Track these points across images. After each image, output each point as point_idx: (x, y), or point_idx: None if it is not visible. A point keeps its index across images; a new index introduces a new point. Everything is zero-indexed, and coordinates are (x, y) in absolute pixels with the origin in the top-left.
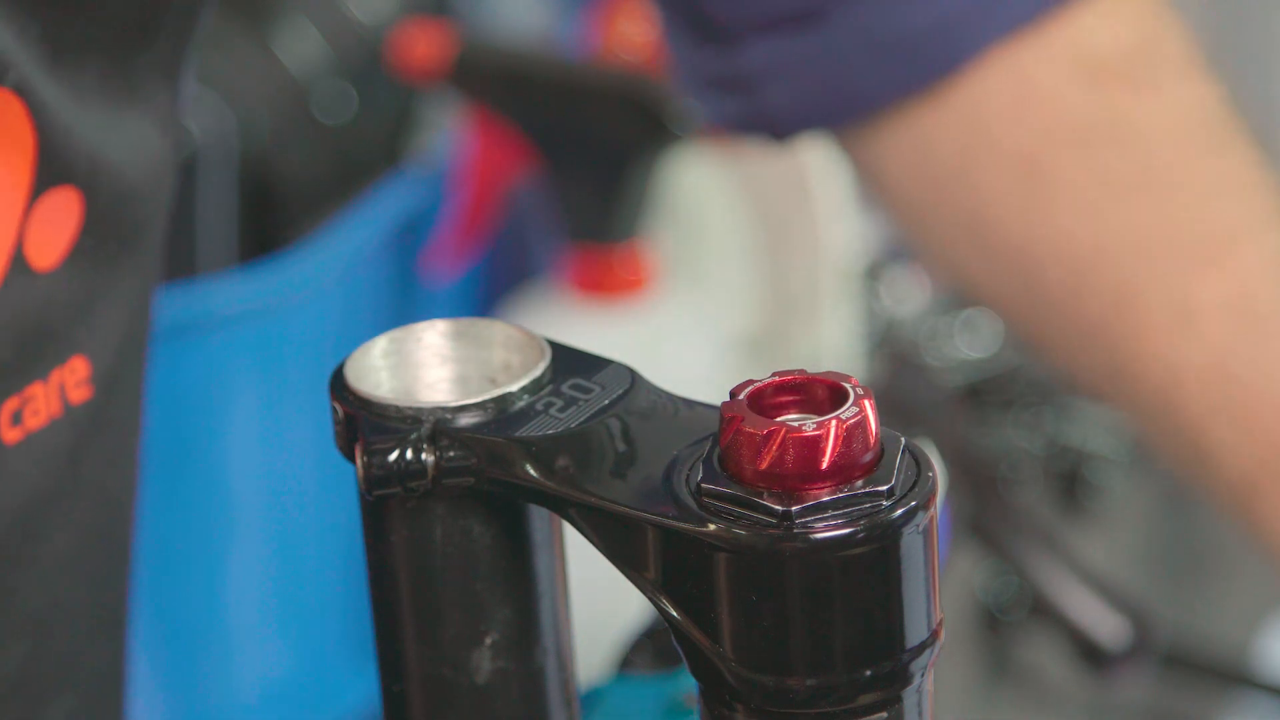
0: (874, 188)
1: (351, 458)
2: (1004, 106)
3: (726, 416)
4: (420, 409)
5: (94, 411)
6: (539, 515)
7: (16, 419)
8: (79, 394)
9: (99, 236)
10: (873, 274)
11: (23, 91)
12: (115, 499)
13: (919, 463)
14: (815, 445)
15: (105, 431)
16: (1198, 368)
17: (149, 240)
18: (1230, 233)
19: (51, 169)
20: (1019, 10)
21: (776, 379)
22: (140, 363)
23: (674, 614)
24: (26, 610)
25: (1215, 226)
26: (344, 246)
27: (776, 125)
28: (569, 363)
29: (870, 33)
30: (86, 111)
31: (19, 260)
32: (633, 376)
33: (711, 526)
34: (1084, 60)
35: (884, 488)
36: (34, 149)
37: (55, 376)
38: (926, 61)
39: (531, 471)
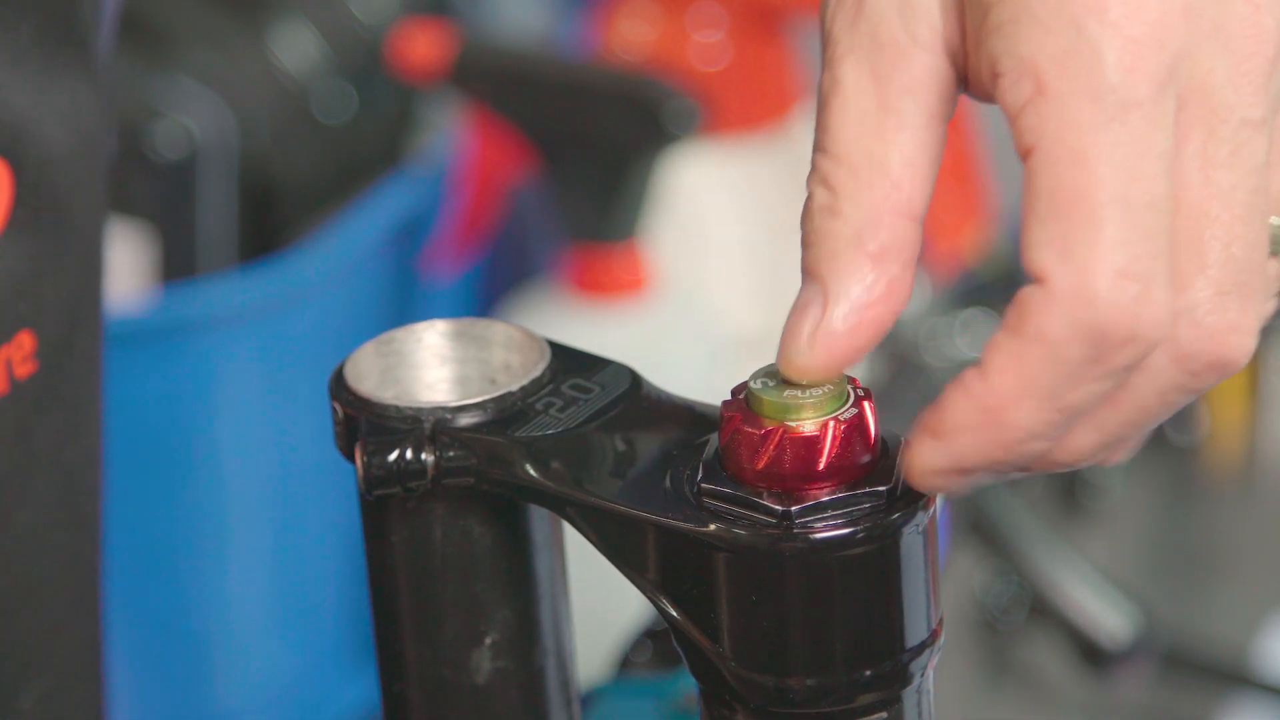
0: None
1: (351, 458)
2: None
3: (726, 416)
4: (420, 409)
5: (42, 386)
6: (539, 515)
7: None
8: (25, 369)
9: (32, 207)
10: None
11: None
12: (75, 473)
13: None
14: (813, 445)
15: (57, 406)
16: None
17: (89, 206)
18: None
19: None
20: None
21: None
22: (93, 333)
23: (674, 614)
24: None
25: None
26: (344, 246)
27: None
28: (569, 363)
29: None
30: (17, 75)
31: None
32: (633, 376)
33: (711, 526)
34: None
35: (884, 488)
36: None
37: (2, 353)
38: None
39: (531, 471)
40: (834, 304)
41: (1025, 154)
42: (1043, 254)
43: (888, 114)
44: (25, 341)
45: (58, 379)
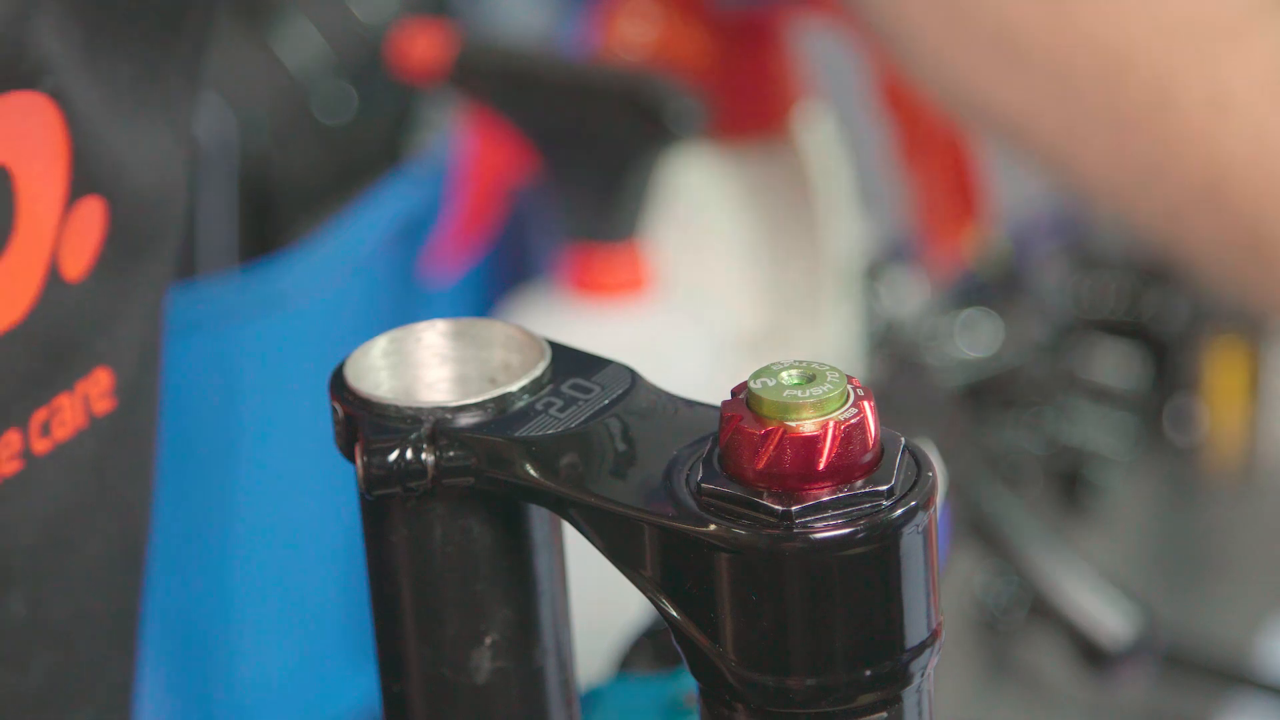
0: (888, 25)
1: (351, 458)
2: None
3: (726, 416)
4: (420, 409)
5: (117, 423)
6: (539, 515)
7: (45, 430)
8: (102, 405)
9: (121, 246)
10: (873, 274)
11: (60, 98)
12: (134, 510)
13: (919, 463)
14: (813, 445)
15: (127, 443)
16: (1240, 150)
17: (165, 250)
18: (1250, 11)
19: (82, 178)
20: None
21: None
22: (156, 374)
23: (674, 614)
24: (54, 622)
25: (1235, 7)
26: (344, 246)
27: None
28: (569, 363)
29: None
30: (115, 118)
31: (54, 271)
32: (633, 376)
33: (711, 526)
34: None
35: (884, 488)
36: (68, 157)
37: (80, 388)
38: None
39: (531, 471)
40: None
41: None
42: None
43: None
44: (102, 378)
45: (129, 417)
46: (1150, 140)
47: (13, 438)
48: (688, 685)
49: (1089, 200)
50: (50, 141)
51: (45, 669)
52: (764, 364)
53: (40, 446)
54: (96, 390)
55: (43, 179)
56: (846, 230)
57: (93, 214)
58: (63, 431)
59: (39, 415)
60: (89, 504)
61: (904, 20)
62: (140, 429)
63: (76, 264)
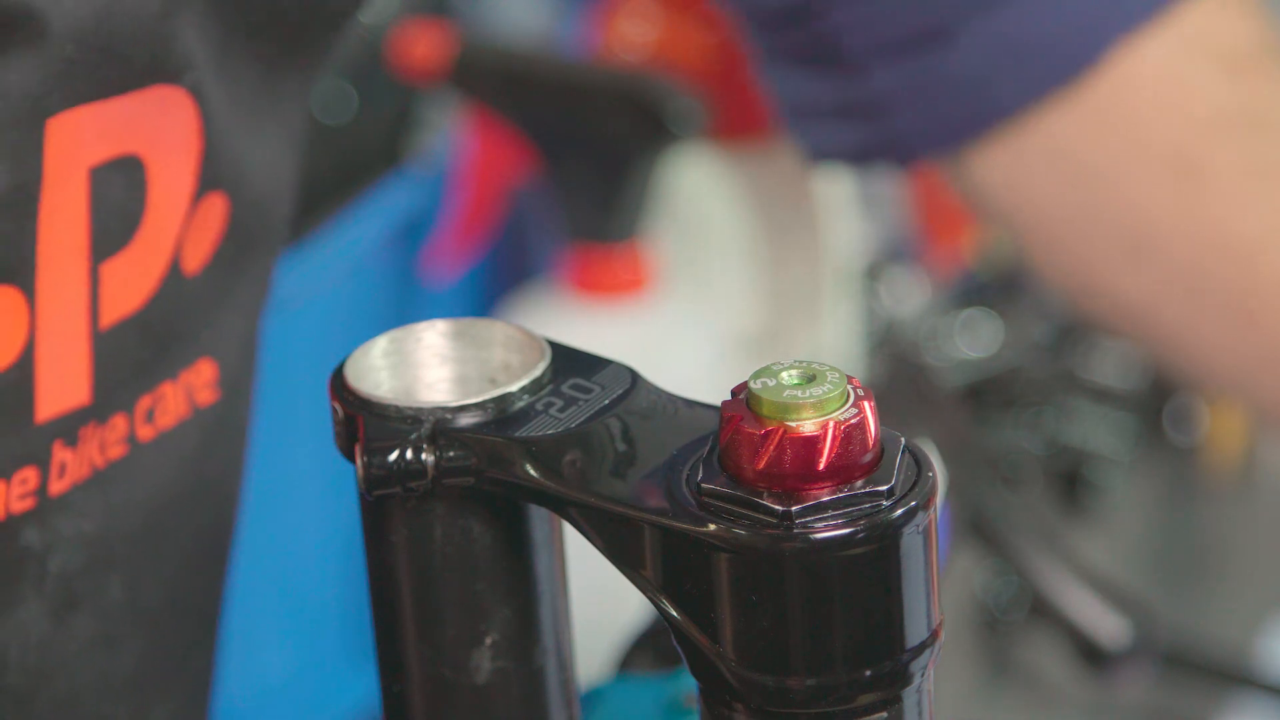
0: (1007, 210)
1: (351, 458)
2: (1148, 101)
3: (725, 416)
4: (420, 409)
5: (218, 415)
6: (539, 515)
7: (150, 417)
8: (205, 396)
9: (237, 243)
10: (873, 274)
11: (198, 94)
12: (230, 502)
13: (919, 463)
14: (813, 445)
15: (226, 435)
16: None
17: (272, 250)
18: None
19: (210, 174)
20: (1146, 2)
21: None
22: (254, 370)
23: (674, 614)
24: (148, 608)
25: None
26: (344, 246)
27: (904, 149)
28: (569, 363)
29: (1000, 41)
30: (239, 119)
31: (175, 263)
32: (633, 376)
33: (711, 526)
34: (1217, 49)
35: (884, 488)
36: (200, 152)
37: (184, 378)
38: (1061, 62)
39: (531, 471)
40: None
41: None
42: None
43: None
44: (205, 370)
45: (229, 410)
46: (1269, 336)
47: (119, 422)
48: (688, 685)
49: (1205, 382)
50: (185, 136)
51: (137, 654)
52: (764, 364)
53: (145, 433)
54: (200, 381)
55: (174, 172)
56: (846, 230)
57: (215, 210)
58: (166, 420)
59: (144, 402)
60: (188, 493)
61: (1029, 208)
62: (238, 422)
63: (195, 257)
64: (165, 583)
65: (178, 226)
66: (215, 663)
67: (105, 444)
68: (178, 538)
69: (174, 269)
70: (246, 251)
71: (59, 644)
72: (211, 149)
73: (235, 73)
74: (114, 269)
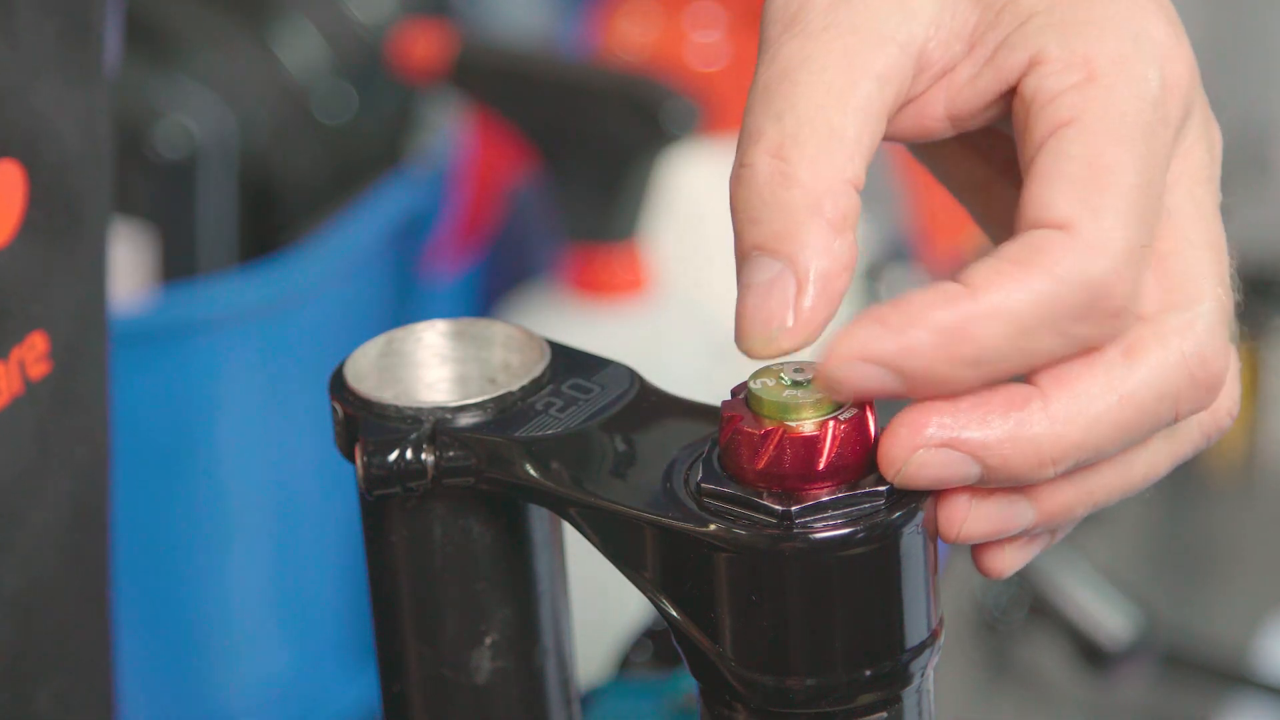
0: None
1: (351, 458)
2: None
3: (725, 416)
4: (420, 409)
5: (56, 386)
6: (539, 515)
7: None
8: (38, 369)
9: (46, 209)
10: (873, 274)
11: None
12: (87, 474)
13: None
14: (812, 445)
15: (70, 406)
16: None
17: (99, 208)
18: None
19: None
20: None
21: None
22: (101, 336)
23: (674, 614)
24: (8, 593)
25: None
26: (344, 246)
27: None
28: (569, 363)
29: None
30: (40, 79)
31: None
32: (633, 376)
33: (711, 526)
34: None
35: (884, 488)
36: None
37: (15, 354)
38: None
39: (531, 471)
40: (808, 278)
41: (1059, 125)
42: (1072, 207)
43: (853, 92)
44: (38, 342)
45: (70, 380)
46: None
47: None
48: (688, 685)
49: None
50: None
51: (5, 640)
52: (764, 364)
53: None
54: (32, 355)
55: None
56: None
57: (9, 178)
58: None
59: None
60: (34, 471)
61: None
62: (84, 391)
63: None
64: (24, 565)
65: None
66: (109, 639)
67: None
68: (30, 518)
69: None
70: (63, 216)
71: None
72: None
73: (34, 30)
74: None
